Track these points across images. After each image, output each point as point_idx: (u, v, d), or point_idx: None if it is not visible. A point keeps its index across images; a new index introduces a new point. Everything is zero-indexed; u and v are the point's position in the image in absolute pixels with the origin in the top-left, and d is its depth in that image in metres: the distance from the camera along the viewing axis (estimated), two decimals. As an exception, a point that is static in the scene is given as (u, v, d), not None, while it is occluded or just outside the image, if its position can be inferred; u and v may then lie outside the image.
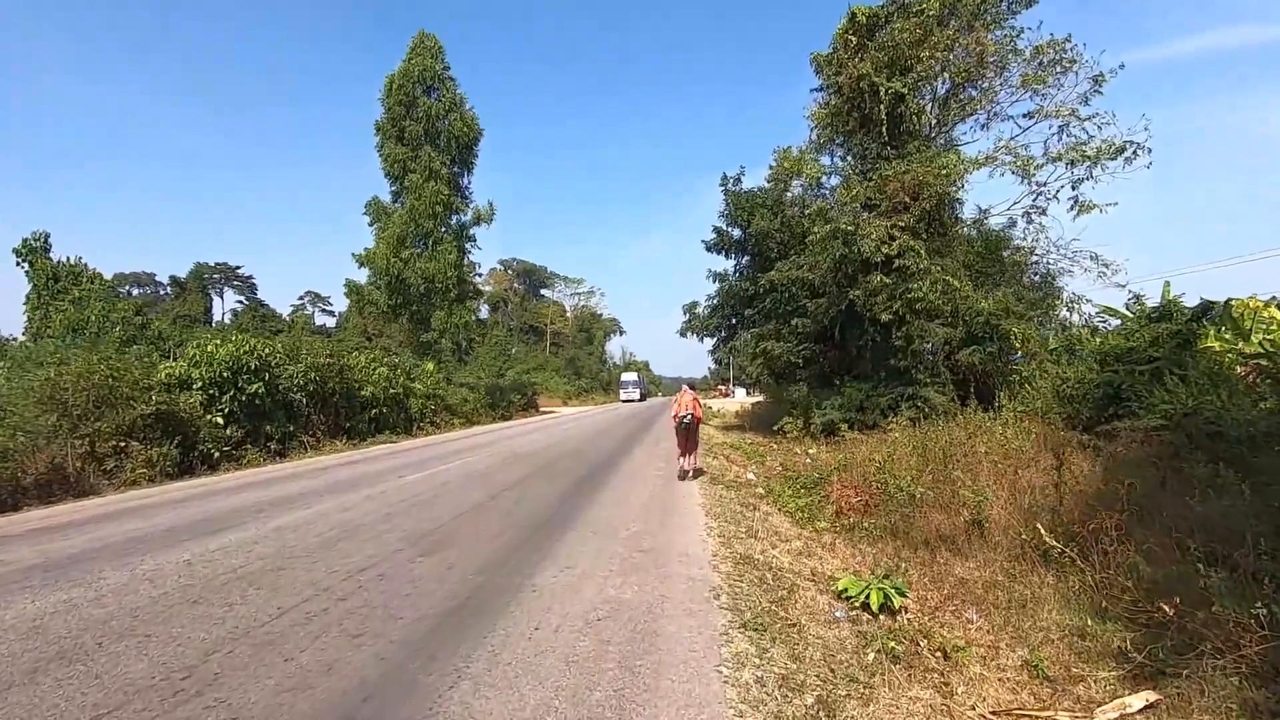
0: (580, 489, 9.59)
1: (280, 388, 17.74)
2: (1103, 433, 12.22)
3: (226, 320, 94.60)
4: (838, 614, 4.81)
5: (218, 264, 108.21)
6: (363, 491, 9.56)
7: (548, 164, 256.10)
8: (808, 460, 17.03)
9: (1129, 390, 13.37)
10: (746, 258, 24.60)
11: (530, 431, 23.82)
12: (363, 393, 21.98)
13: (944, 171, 16.46)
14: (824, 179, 22.57)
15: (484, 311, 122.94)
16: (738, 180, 24.15)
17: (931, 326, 17.00)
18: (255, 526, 6.93)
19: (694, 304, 26.55)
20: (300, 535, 6.46)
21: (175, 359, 17.21)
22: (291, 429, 17.90)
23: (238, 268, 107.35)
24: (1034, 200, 17.96)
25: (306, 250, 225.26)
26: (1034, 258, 18.42)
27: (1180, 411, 12.12)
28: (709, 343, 27.28)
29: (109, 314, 24.08)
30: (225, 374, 15.97)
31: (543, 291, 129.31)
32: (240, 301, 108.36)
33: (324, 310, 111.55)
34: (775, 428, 20.67)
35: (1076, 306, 17.26)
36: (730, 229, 24.37)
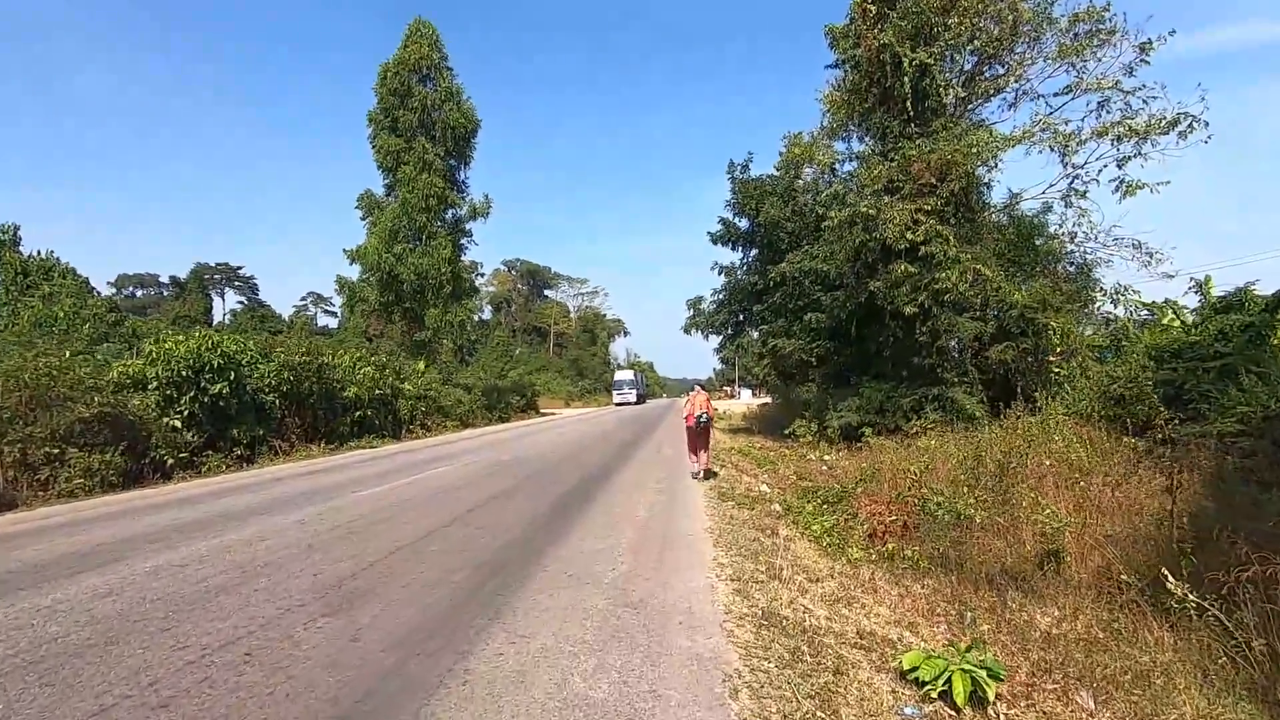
0: (563, 510, 8.09)
1: (248, 388, 16.32)
2: (1164, 439, 10.71)
3: (226, 321, 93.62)
4: (907, 710, 3.33)
5: (218, 264, 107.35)
6: (301, 512, 8.04)
7: (554, 165, 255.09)
8: (824, 468, 15.52)
9: (1193, 390, 11.83)
10: (755, 250, 23.09)
11: (524, 435, 22.37)
12: (345, 394, 20.57)
13: (973, 150, 14.91)
14: (838, 165, 21.08)
15: (487, 312, 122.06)
16: (745, 167, 22.67)
17: (960, 320, 15.46)
18: (131, 566, 5.41)
19: (698, 299, 25.08)
20: (179, 581, 4.95)
21: (136, 356, 15.83)
22: (261, 432, 16.47)
23: (239, 268, 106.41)
24: (1070, 183, 16.39)
25: (311, 250, 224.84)
26: (1070, 246, 16.84)
27: (1261, 415, 10.61)
28: (714, 341, 25.81)
29: (79, 310, 22.76)
30: (185, 373, 14.54)
31: (546, 292, 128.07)
32: (241, 302, 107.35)
33: (327, 311, 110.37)
34: (786, 432, 19.14)
35: (1122, 298, 15.65)
36: (737, 219, 22.88)
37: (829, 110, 20.88)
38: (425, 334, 33.33)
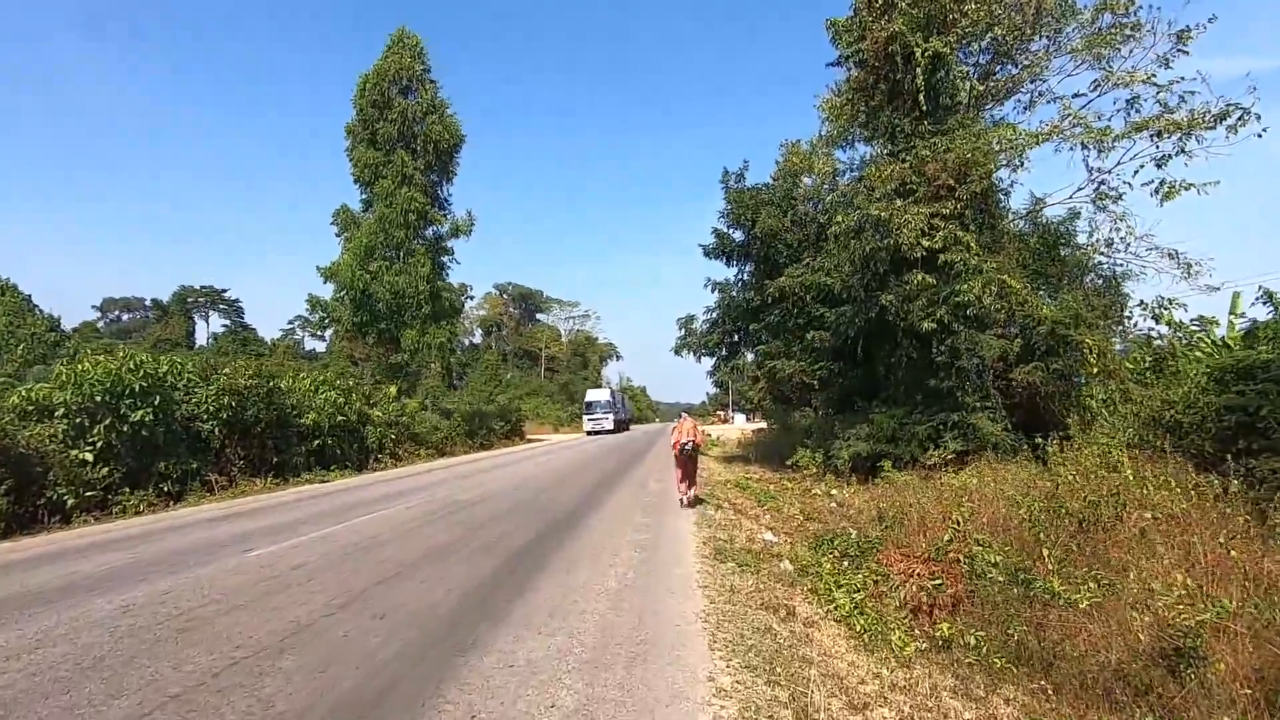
0: (506, 578, 6.17)
1: (179, 415, 14.40)
2: (1255, 476, 8.97)
3: (209, 344, 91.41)
4: None
5: (203, 287, 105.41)
6: (137, 591, 5.90)
7: (544, 190, 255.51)
8: (833, 505, 13.68)
9: (1271, 416, 10.13)
10: (750, 265, 21.45)
11: (500, 466, 20.40)
12: (302, 420, 18.64)
13: (996, 148, 13.38)
14: (840, 175, 19.59)
15: (477, 336, 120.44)
16: (740, 176, 21.11)
17: (984, 338, 13.78)
18: None
19: (689, 318, 23.35)
20: None
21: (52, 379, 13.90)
22: (195, 466, 14.51)
23: (224, 291, 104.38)
24: (1097, 187, 14.86)
25: (304, 273, 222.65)
26: (1099, 257, 15.26)
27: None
28: (707, 363, 24.00)
29: (15, 329, 20.83)
30: (101, 398, 12.65)
31: (539, 316, 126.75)
32: (226, 326, 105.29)
33: (315, 335, 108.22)
34: (789, 462, 17.30)
35: (1165, 313, 13.99)
36: (732, 231, 21.26)
37: (829, 117, 19.45)
38: (401, 356, 31.44)
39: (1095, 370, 13.50)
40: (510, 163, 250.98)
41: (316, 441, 19.09)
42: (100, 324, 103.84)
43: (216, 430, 15.24)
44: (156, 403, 13.56)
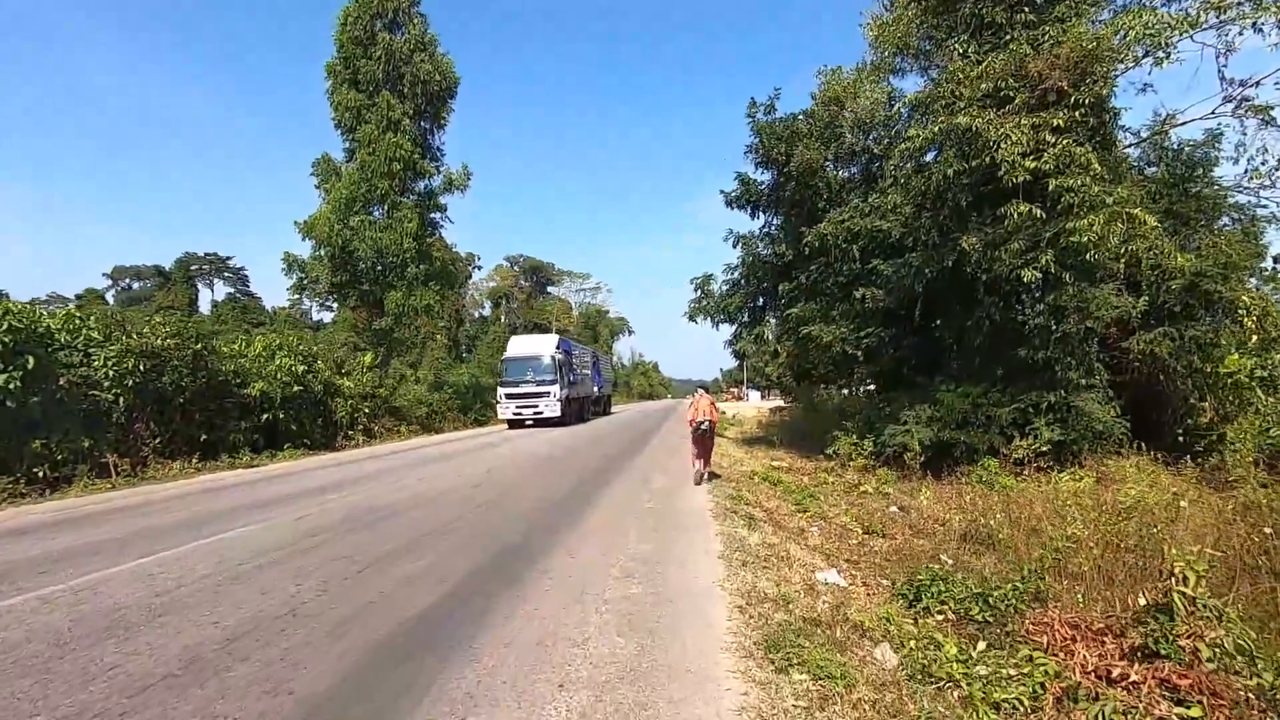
0: (404, 672, 3.28)
1: (66, 381, 11.44)
2: None
3: (209, 313, 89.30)
4: None
5: (207, 254, 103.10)
6: None
7: (561, 162, 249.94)
8: (893, 509, 10.53)
9: None
10: (781, 214, 18.04)
11: (483, 448, 17.29)
12: (246, 391, 15.68)
13: (1129, 35, 9.89)
14: (895, 102, 16.09)
15: (486, 308, 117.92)
16: (770, 108, 17.55)
17: (1099, 293, 10.44)
18: None
19: (706, 278, 20.02)
20: None
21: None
22: (87, 445, 11.60)
23: (228, 258, 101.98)
24: (1236, 106, 11.31)
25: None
26: (1240, 195, 11.78)
27: None
28: (726, 332, 20.70)
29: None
30: (-57, 358, 9.71)
31: (549, 289, 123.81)
32: (231, 294, 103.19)
33: (324, 305, 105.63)
34: (830, 451, 14.07)
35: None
36: (759, 173, 17.85)
37: (876, 40, 15.91)
38: (385, 321, 28.43)
39: (1253, 338, 10.16)
40: (527, 136, 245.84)
41: (266, 416, 16.15)
42: (111, 293, 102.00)
43: (120, 401, 12.28)
44: (29, 365, 10.60)
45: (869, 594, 5.88)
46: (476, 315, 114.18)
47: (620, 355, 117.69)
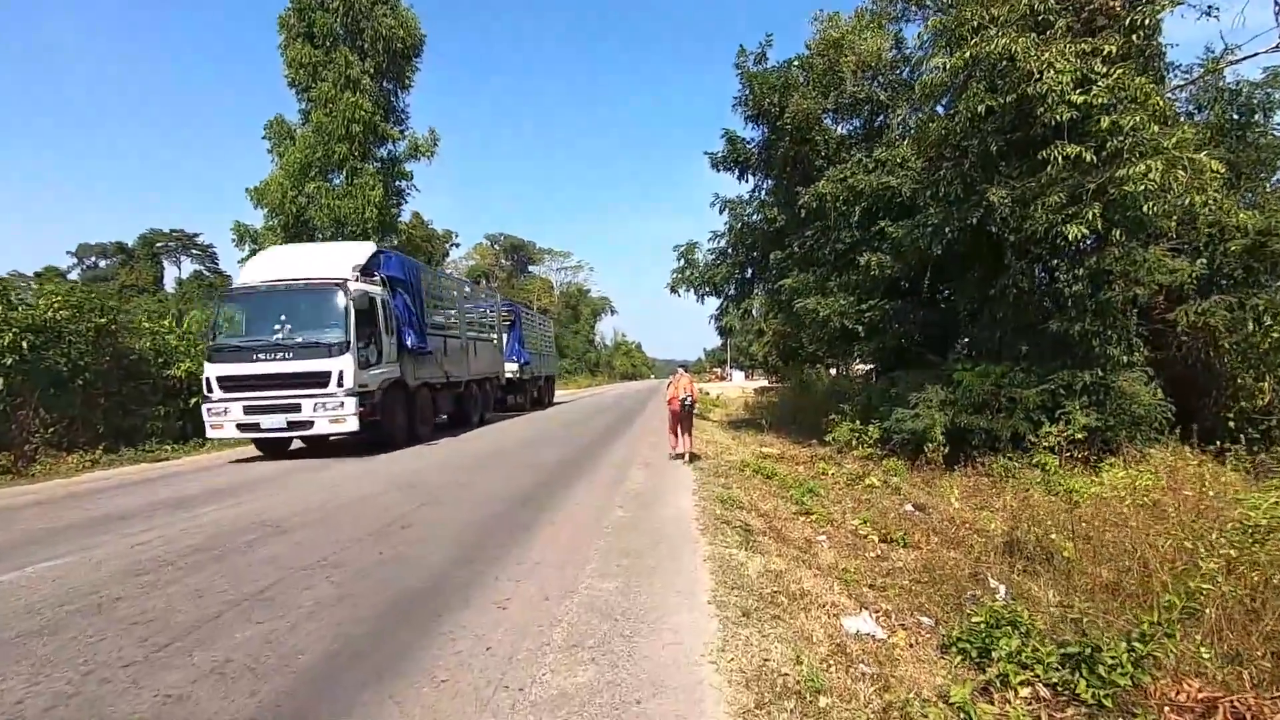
0: None
1: (-81, 360, 9.54)
2: None
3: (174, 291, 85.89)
4: None
5: (173, 230, 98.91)
6: None
7: (542, 139, 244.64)
8: (909, 508, 9.06)
9: None
10: (773, 175, 16.31)
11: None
12: (171, 371, 13.80)
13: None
14: (902, 48, 14.43)
15: (466, 287, 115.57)
16: (761, 57, 15.71)
17: (1153, 255, 8.91)
18: None
19: (690, 246, 18.28)
20: None
21: None
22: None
23: (195, 235, 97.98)
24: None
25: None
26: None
27: None
28: (711, 305, 19.03)
29: None
30: None
31: (530, 268, 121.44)
32: (198, 271, 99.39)
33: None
34: (829, 438, 12.54)
35: None
36: (749, 129, 16.09)
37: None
38: (345, 297, 26.35)
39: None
40: (509, 110, 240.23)
41: (195, 400, 14.26)
42: (75, 271, 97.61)
43: (1, 384, 10.39)
44: None
45: (912, 643, 4.31)
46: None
47: (603, 335, 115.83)
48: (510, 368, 22.13)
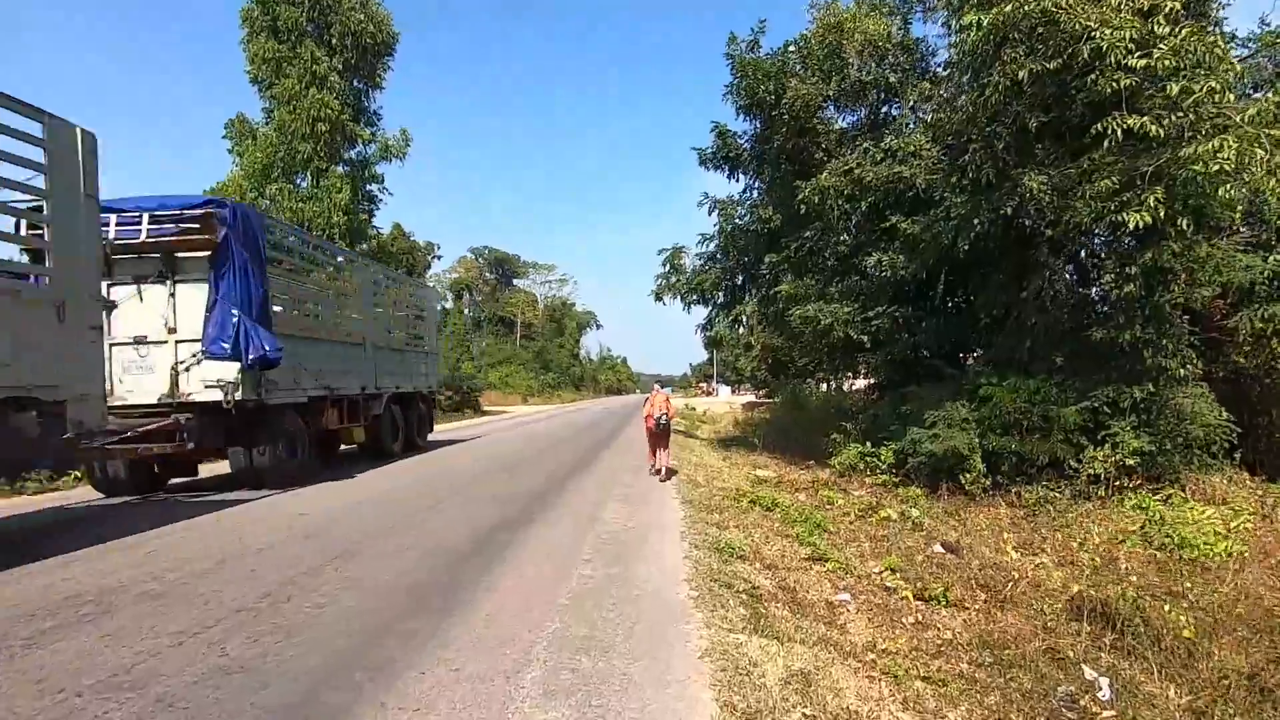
0: None
1: None
2: None
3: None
4: None
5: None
6: None
7: (525, 152, 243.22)
8: (937, 548, 7.63)
9: None
10: (767, 173, 14.99)
11: (387, 468, 13.66)
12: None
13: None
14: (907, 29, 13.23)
15: (449, 300, 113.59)
16: (754, 45, 14.46)
17: (1222, 251, 7.61)
18: None
19: (677, 250, 16.92)
20: None
21: None
22: None
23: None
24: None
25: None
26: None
27: None
28: (699, 314, 17.60)
29: None
30: None
31: (515, 281, 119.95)
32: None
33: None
34: (837, 462, 11.09)
35: None
36: (741, 121, 14.79)
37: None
38: (308, 305, 24.67)
39: None
40: (495, 123, 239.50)
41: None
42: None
43: None
44: None
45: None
46: (438, 308, 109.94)
47: (589, 349, 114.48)
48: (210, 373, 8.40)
